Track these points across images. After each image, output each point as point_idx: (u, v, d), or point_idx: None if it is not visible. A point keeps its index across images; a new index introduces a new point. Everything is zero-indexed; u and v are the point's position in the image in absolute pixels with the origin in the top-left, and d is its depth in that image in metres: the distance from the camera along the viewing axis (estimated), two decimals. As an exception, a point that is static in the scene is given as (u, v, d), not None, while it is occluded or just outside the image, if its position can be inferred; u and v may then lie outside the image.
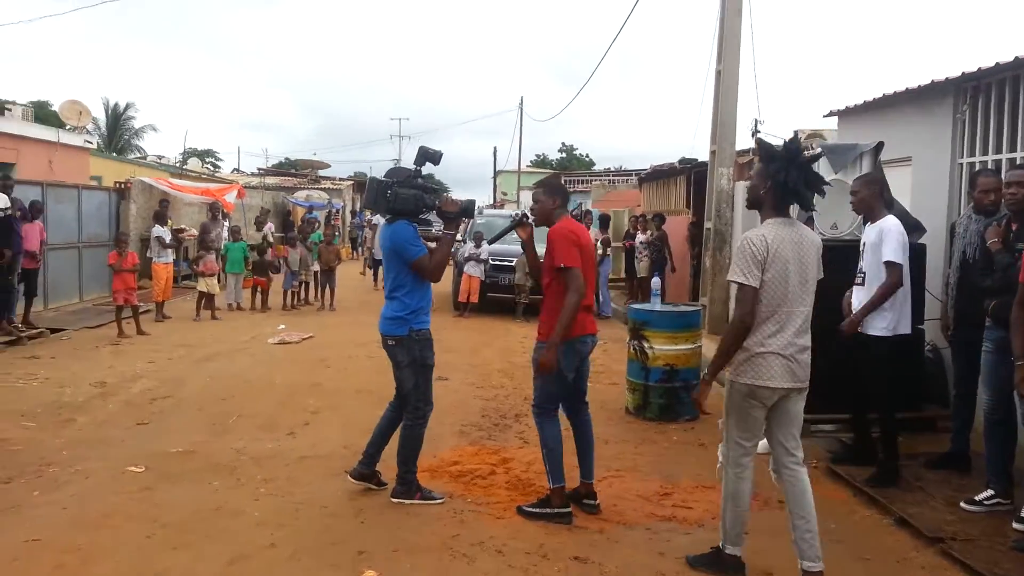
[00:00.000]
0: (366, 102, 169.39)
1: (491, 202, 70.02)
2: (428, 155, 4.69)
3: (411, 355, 4.68)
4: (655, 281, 7.12)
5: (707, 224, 12.07)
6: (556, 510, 4.48)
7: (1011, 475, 4.64)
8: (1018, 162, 6.10)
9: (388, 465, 4.96)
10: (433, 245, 4.72)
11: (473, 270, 13.56)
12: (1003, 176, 4.94)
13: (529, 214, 4.81)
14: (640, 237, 14.98)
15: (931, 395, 6.51)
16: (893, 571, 4.03)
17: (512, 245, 14.48)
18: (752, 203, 3.81)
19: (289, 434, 6.30)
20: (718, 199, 11.76)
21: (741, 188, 11.67)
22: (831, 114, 8.73)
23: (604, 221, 15.55)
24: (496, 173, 61.48)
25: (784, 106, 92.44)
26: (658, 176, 16.07)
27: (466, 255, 13.68)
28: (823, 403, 5.40)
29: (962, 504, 4.63)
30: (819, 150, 6.95)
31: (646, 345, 6.95)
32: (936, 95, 6.92)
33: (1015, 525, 4.29)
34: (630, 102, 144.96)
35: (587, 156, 75.13)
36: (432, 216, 4.83)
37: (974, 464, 5.25)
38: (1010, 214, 4.54)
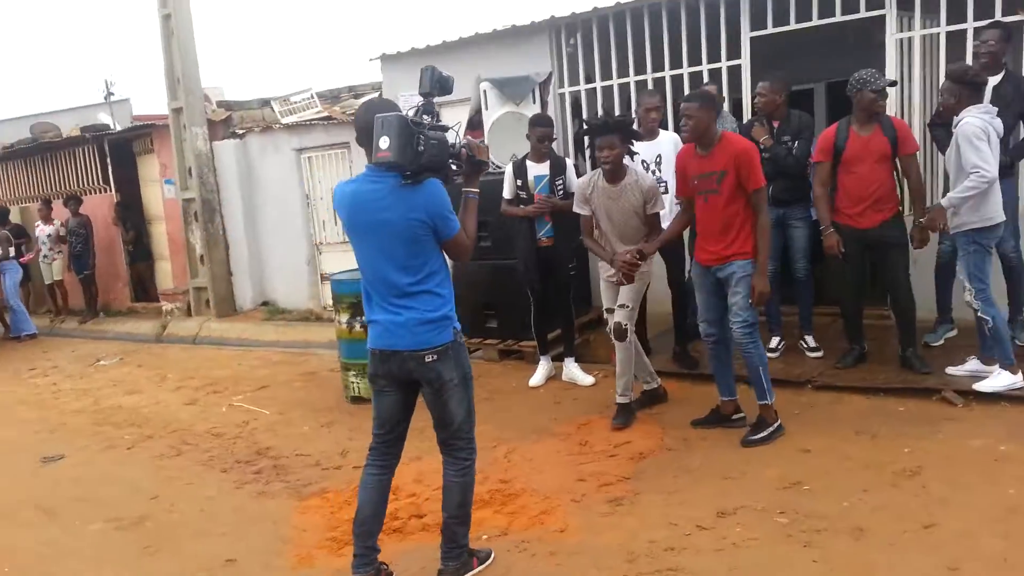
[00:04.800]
0: None
1: None
2: (441, 81, 3.09)
3: (461, 367, 3.20)
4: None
5: (187, 195, 10.33)
6: (774, 427, 4.46)
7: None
8: (615, 88, 7.24)
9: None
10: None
11: None
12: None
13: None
14: (47, 229, 11.80)
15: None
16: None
17: None
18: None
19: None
20: (198, 163, 10.17)
21: (224, 148, 10.28)
22: (381, 57, 8.43)
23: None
24: None
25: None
26: (40, 151, 12.63)
27: None
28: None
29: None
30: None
31: (373, 318, 5.94)
32: (531, 34, 7.51)
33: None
34: None
35: None
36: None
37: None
38: (764, 116, 5.53)
